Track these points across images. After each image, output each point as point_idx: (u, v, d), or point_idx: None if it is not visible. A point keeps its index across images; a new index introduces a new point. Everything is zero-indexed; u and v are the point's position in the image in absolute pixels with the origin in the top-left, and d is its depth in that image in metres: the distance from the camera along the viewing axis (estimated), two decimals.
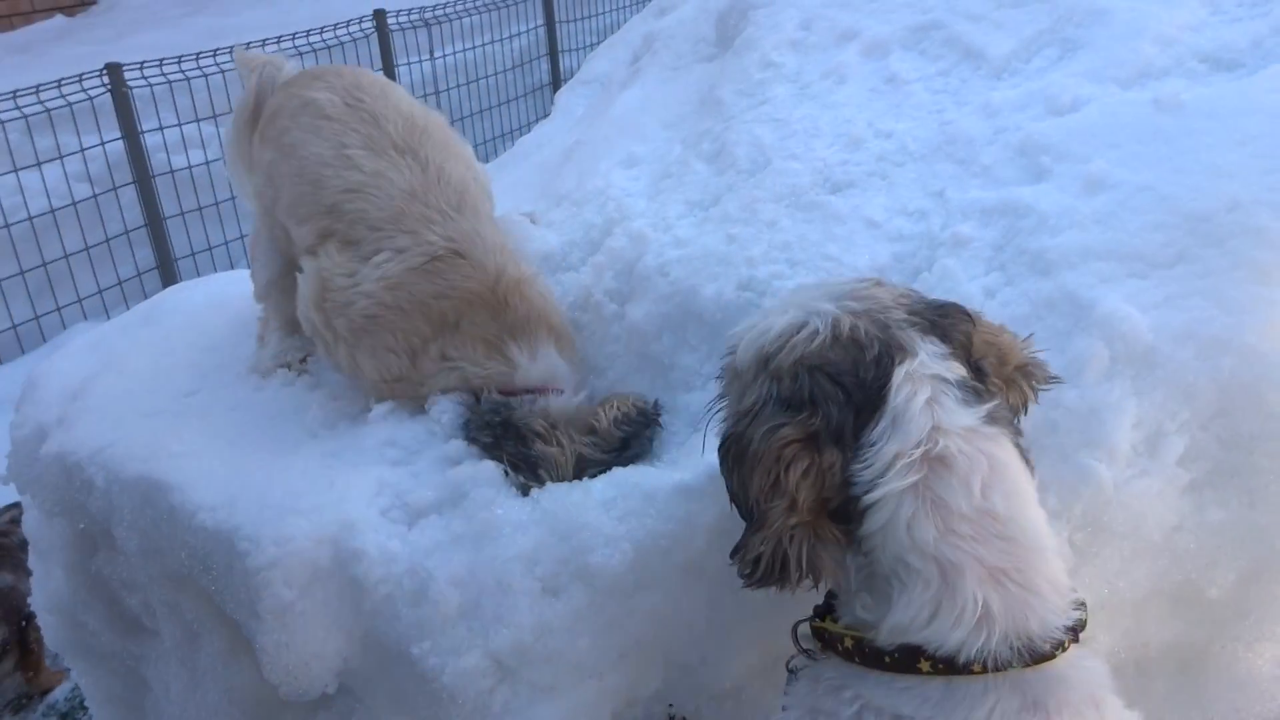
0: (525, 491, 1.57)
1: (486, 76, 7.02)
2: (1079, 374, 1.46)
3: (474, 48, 6.86)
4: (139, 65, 5.14)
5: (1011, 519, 1.10)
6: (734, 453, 1.20)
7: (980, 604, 1.06)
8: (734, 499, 1.24)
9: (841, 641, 1.19)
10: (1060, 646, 1.09)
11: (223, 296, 2.45)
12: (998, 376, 1.24)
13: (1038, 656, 1.08)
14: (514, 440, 1.62)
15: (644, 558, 1.48)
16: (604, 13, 7.88)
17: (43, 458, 1.90)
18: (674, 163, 2.22)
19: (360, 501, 1.55)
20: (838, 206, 1.82)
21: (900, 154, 1.88)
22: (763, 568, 1.17)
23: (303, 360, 2.05)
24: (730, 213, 1.92)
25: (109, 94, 5.07)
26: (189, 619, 1.77)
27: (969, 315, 1.27)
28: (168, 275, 5.51)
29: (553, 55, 7.51)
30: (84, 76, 4.98)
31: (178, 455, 1.71)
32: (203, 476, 1.64)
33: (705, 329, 1.78)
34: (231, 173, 2.40)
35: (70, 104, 4.95)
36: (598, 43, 7.84)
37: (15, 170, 4.90)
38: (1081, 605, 1.14)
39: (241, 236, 5.84)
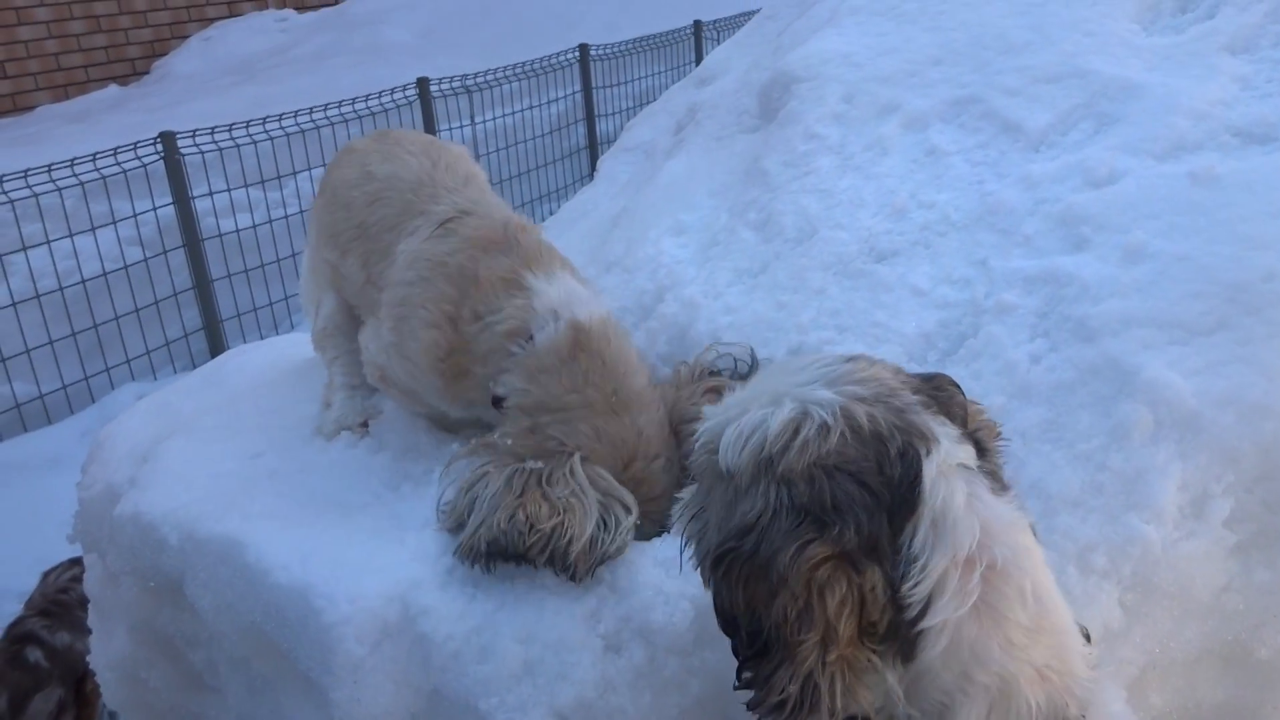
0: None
1: (525, 140, 7.21)
2: (1125, 438, 1.50)
3: (513, 113, 7.05)
4: (191, 133, 5.35)
5: (1054, 608, 1.06)
6: (741, 572, 1.03)
7: (1033, 706, 1.01)
8: (727, 618, 1.08)
9: None
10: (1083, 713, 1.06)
11: (282, 359, 2.54)
12: (988, 444, 1.15)
13: None
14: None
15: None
16: (639, 78, 8.07)
17: (116, 517, 1.97)
18: (721, 231, 2.30)
19: (427, 560, 1.61)
20: (884, 274, 1.89)
21: (943, 224, 1.95)
22: (789, 709, 1.02)
23: (364, 424, 2.13)
24: (779, 280, 2.00)
25: (162, 161, 5.27)
26: (256, 674, 1.83)
27: (956, 385, 1.18)
28: (214, 336, 5.66)
29: (589, 120, 7.69)
30: (139, 144, 5.18)
31: (251, 515, 1.78)
32: (276, 535, 1.71)
33: None
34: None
35: (125, 170, 5.15)
36: (633, 107, 8.05)
37: (70, 235, 5.08)
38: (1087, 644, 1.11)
39: (286, 298, 6.00)
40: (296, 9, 9.35)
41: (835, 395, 1.06)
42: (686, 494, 1.21)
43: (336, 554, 1.63)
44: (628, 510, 1.59)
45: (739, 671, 1.08)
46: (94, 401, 5.20)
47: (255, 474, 1.95)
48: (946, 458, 1.03)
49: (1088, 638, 1.13)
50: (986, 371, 1.65)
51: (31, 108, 7.53)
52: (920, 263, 1.89)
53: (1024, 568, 1.02)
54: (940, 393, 1.13)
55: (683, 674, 1.52)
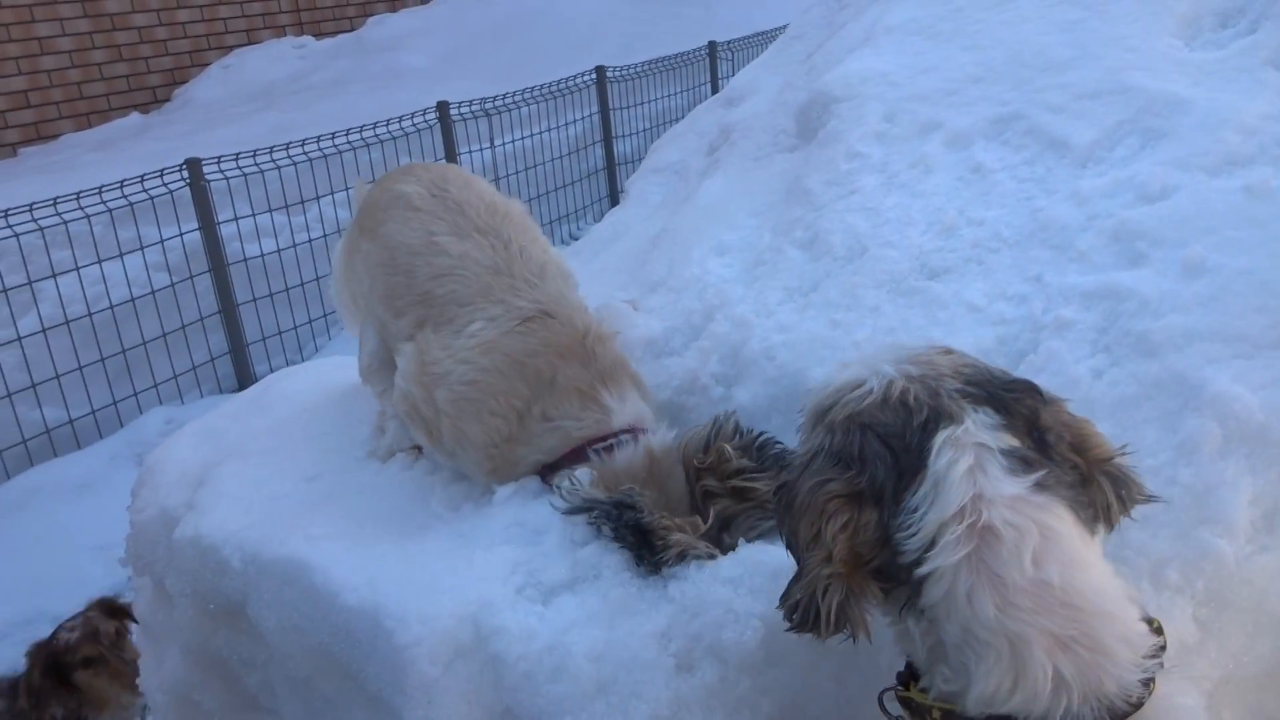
0: (656, 569, 1.63)
1: (544, 162, 7.26)
2: (1192, 452, 1.50)
3: (532, 135, 7.10)
4: (216, 159, 5.40)
5: (1070, 587, 1.11)
6: (785, 501, 1.26)
7: (1051, 673, 1.08)
8: (786, 545, 1.30)
9: (930, 713, 1.20)
10: (1141, 700, 1.10)
11: (327, 382, 2.56)
12: (1070, 458, 1.23)
13: (1117, 716, 1.09)
14: (648, 544, 1.65)
15: (773, 634, 1.53)
16: (655, 99, 8.13)
17: (175, 541, 1.99)
18: (766, 250, 2.31)
19: (496, 580, 1.61)
20: (938, 292, 1.90)
21: (994, 240, 1.96)
22: (799, 613, 1.22)
23: (417, 448, 2.14)
24: (832, 299, 2.01)
25: (188, 187, 5.32)
26: (318, 695, 1.83)
27: (1040, 394, 1.27)
28: (240, 360, 5.69)
29: (607, 141, 7.74)
30: (165, 171, 5.23)
31: (314, 537, 1.79)
32: (342, 557, 1.72)
33: None
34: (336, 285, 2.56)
35: (152, 197, 5.20)
36: (650, 128, 8.10)
37: (99, 261, 5.12)
38: (1160, 647, 1.15)
39: (310, 321, 6.03)
40: (314, 35, 9.44)
41: (892, 370, 1.25)
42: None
43: (404, 575, 1.64)
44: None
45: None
46: (122, 426, 5.23)
47: (313, 496, 1.96)
48: (964, 435, 1.17)
49: (1158, 630, 1.16)
50: (1048, 387, 1.64)
51: (55, 136, 7.60)
52: (974, 279, 1.90)
53: (1022, 535, 1.12)
54: (1008, 393, 1.24)
55: (754, 693, 1.53)
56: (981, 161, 2.19)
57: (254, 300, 5.74)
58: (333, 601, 1.65)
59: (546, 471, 1.88)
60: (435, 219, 2.10)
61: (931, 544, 1.13)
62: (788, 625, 1.25)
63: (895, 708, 1.30)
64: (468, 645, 1.55)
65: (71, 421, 5.01)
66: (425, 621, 1.54)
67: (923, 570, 1.14)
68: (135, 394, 5.30)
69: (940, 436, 1.17)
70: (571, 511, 1.71)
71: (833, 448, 1.23)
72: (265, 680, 2.02)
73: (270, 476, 2.05)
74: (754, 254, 2.35)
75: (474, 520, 1.80)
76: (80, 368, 5.00)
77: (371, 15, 9.94)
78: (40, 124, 7.62)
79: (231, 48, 8.87)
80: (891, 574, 1.19)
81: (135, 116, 7.89)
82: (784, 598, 1.25)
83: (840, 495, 1.19)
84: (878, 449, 1.19)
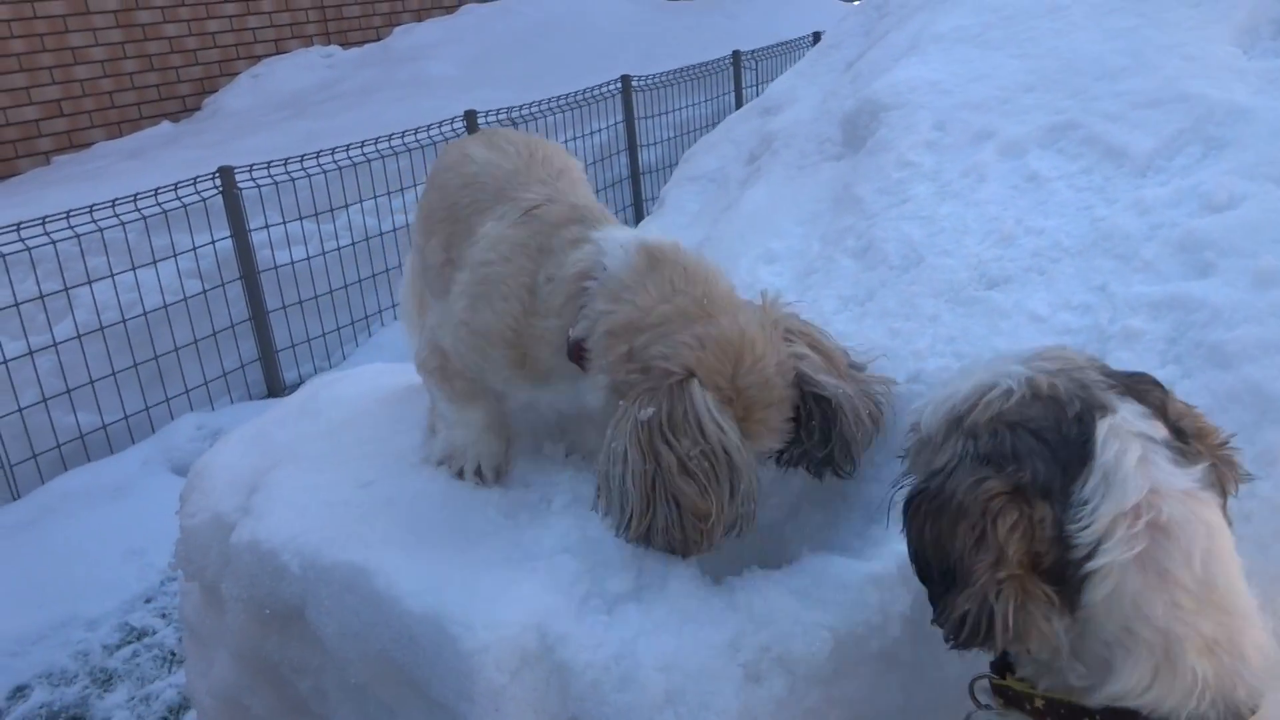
0: None
1: None
2: (1272, 464, 1.48)
3: (558, 143, 7.11)
4: (248, 168, 5.43)
5: (1228, 589, 1.11)
6: (928, 509, 1.17)
7: (1198, 675, 1.07)
8: (921, 560, 1.20)
9: (1031, 701, 1.19)
10: (1256, 708, 1.10)
11: (375, 388, 2.56)
12: (1199, 448, 1.21)
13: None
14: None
15: (842, 646, 1.52)
16: (679, 109, 8.14)
17: (233, 546, 1.99)
18: (817, 259, 2.30)
19: (561, 588, 1.61)
20: (999, 301, 1.88)
21: (1055, 250, 1.95)
22: (968, 627, 1.14)
23: None
24: (889, 308, 2.00)
25: (220, 195, 5.35)
26: (373, 702, 1.83)
27: (1161, 384, 1.26)
28: (269, 366, 5.72)
29: (631, 150, 7.75)
30: (198, 179, 5.27)
31: (373, 543, 1.78)
32: (403, 563, 1.71)
33: None
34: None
35: (185, 205, 5.23)
36: (674, 137, 8.11)
37: (133, 268, 5.16)
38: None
39: (339, 328, 6.06)
40: (341, 45, 9.50)
41: (1024, 368, 1.20)
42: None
43: (468, 581, 1.64)
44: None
45: (934, 612, 1.19)
46: (154, 431, 5.26)
47: (370, 502, 1.95)
48: (1123, 423, 1.13)
49: None
50: None
51: (87, 145, 7.67)
52: (1036, 289, 1.89)
53: (1193, 533, 1.09)
54: (1138, 384, 1.22)
55: (824, 704, 1.51)
56: (1037, 170, 2.17)
57: (284, 307, 5.77)
58: (395, 607, 1.65)
59: (579, 353, 1.74)
60: (473, 143, 2.14)
61: (1102, 539, 1.09)
62: (951, 642, 1.17)
63: (986, 696, 1.27)
64: (534, 653, 1.54)
65: (105, 427, 5.04)
66: (492, 628, 1.53)
67: (1092, 565, 1.09)
68: (167, 400, 5.32)
69: (1102, 426, 1.12)
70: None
71: (979, 451, 1.16)
72: (317, 686, 2.01)
73: (325, 482, 2.05)
74: (804, 262, 2.34)
75: (532, 529, 1.79)
76: (114, 373, 5.03)
77: (398, 25, 9.99)
78: (73, 132, 7.69)
79: (260, 57, 8.93)
80: (1055, 573, 1.13)
81: (166, 125, 7.96)
82: (941, 612, 1.16)
83: (1003, 492, 1.11)
84: (1033, 444, 1.13)
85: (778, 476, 1.98)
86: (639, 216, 7.83)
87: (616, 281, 1.68)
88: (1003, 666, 1.27)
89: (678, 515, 1.52)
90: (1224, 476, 1.26)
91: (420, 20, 10.18)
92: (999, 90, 2.41)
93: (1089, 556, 1.09)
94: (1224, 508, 1.19)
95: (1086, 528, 1.09)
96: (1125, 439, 1.12)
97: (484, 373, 1.90)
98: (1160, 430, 1.15)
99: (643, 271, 1.67)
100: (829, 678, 1.52)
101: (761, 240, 2.52)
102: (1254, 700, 1.10)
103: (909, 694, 1.56)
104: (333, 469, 2.12)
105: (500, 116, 6.69)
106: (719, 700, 1.47)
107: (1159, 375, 1.64)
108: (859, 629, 1.53)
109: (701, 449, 1.51)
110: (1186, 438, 1.19)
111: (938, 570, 1.18)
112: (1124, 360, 1.68)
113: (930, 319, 1.92)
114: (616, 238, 1.76)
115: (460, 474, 1.97)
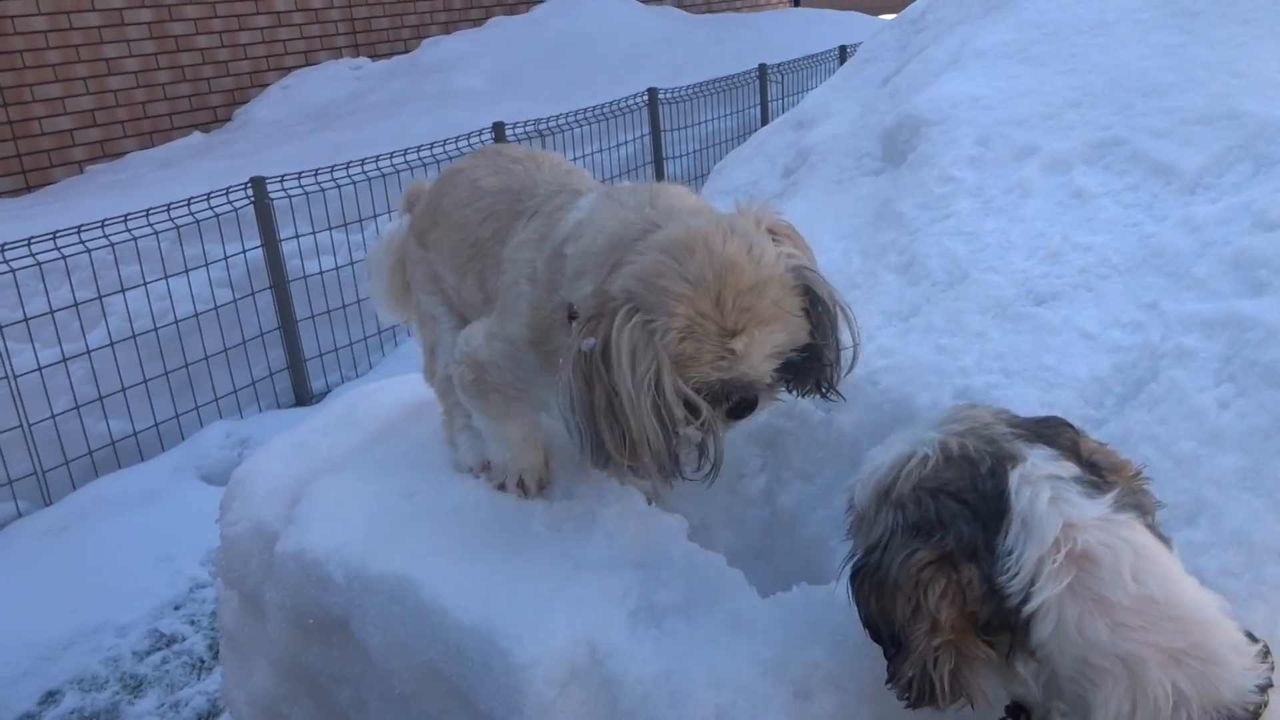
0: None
1: None
2: None
3: (584, 155, 7.14)
4: (279, 178, 5.48)
5: (1173, 599, 1.13)
6: (870, 584, 1.26)
7: (1170, 688, 1.08)
8: (871, 628, 1.29)
9: None
10: (1259, 708, 1.10)
11: (412, 399, 2.56)
12: (1115, 480, 1.26)
13: None
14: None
15: None
16: (705, 121, 8.15)
17: (277, 555, 2.00)
18: (858, 274, 2.29)
19: (610, 602, 1.60)
20: (1047, 318, 1.87)
21: (1103, 266, 1.93)
22: (914, 690, 1.23)
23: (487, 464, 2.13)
24: (934, 323, 1.98)
25: (251, 205, 5.40)
26: (416, 713, 1.82)
27: (1072, 426, 1.33)
28: (298, 375, 5.75)
29: (657, 162, 7.76)
30: (230, 189, 5.32)
31: (419, 554, 1.79)
32: (450, 574, 1.71)
33: None
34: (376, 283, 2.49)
35: (217, 214, 5.28)
36: (699, 149, 8.12)
37: (165, 277, 5.20)
38: (1267, 656, 1.15)
39: (365, 337, 6.09)
40: (370, 57, 9.57)
41: (936, 433, 1.29)
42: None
43: (516, 593, 1.64)
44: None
45: (887, 674, 1.27)
46: (183, 439, 5.29)
47: (413, 513, 1.96)
48: (1032, 470, 1.20)
49: (1265, 653, 1.16)
50: (1172, 417, 1.62)
51: (120, 154, 7.75)
52: (1085, 306, 1.87)
53: (1118, 554, 1.13)
54: (1048, 429, 1.29)
55: None
56: (1083, 186, 2.16)
57: (312, 316, 5.80)
58: (443, 619, 1.65)
59: (573, 317, 1.65)
60: (479, 169, 2.08)
61: (1032, 581, 1.14)
62: (904, 703, 1.26)
63: None
64: (583, 667, 1.54)
65: (136, 434, 5.07)
66: (541, 642, 1.53)
67: (1030, 607, 1.14)
68: (196, 407, 5.36)
69: (1014, 476, 1.19)
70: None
71: (908, 521, 1.24)
72: (357, 696, 2.02)
73: (368, 492, 2.06)
74: (845, 277, 2.33)
75: (577, 540, 1.79)
76: (145, 381, 5.07)
77: (426, 37, 10.06)
78: (105, 142, 7.77)
79: (290, 69, 9.01)
80: (997, 623, 1.19)
81: (197, 136, 8.04)
82: (892, 676, 1.25)
83: (931, 561, 1.19)
84: (954, 507, 1.21)
85: (820, 493, 1.97)
86: None
87: (580, 229, 1.64)
88: (1019, 710, 1.30)
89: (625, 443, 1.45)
90: (1143, 500, 1.29)
91: (448, 33, 10.25)
92: (1043, 106, 2.40)
93: (1025, 600, 1.15)
94: (1151, 525, 1.22)
95: (1015, 575, 1.15)
96: (1036, 484, 1.18)
97: (522, 381, 1.86)
98: (1070, 468, 1.21)
99: (611, 197, 1.65)
100: (879, 695, 1.50)
101: None
102: (1246, 699, 1.10)
103: (960, 711, 1.54)
104: (375, 479, 2.13)
105: (528, 129, 6.72)
106: (769, 716, 1.47)
107: (1214, 394, 1.64)
108: None
109: (615, 385, 1.43)
110: (1100, 471, 1.24)
111: (886, 637, 1.26)
112: (1177, 379, 1.66)
113: (977, 335, 1.91)
114: (591, 195, 1.74)
115: (502, 487, 1.97)
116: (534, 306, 1.73)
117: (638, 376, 1.41)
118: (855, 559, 1.32)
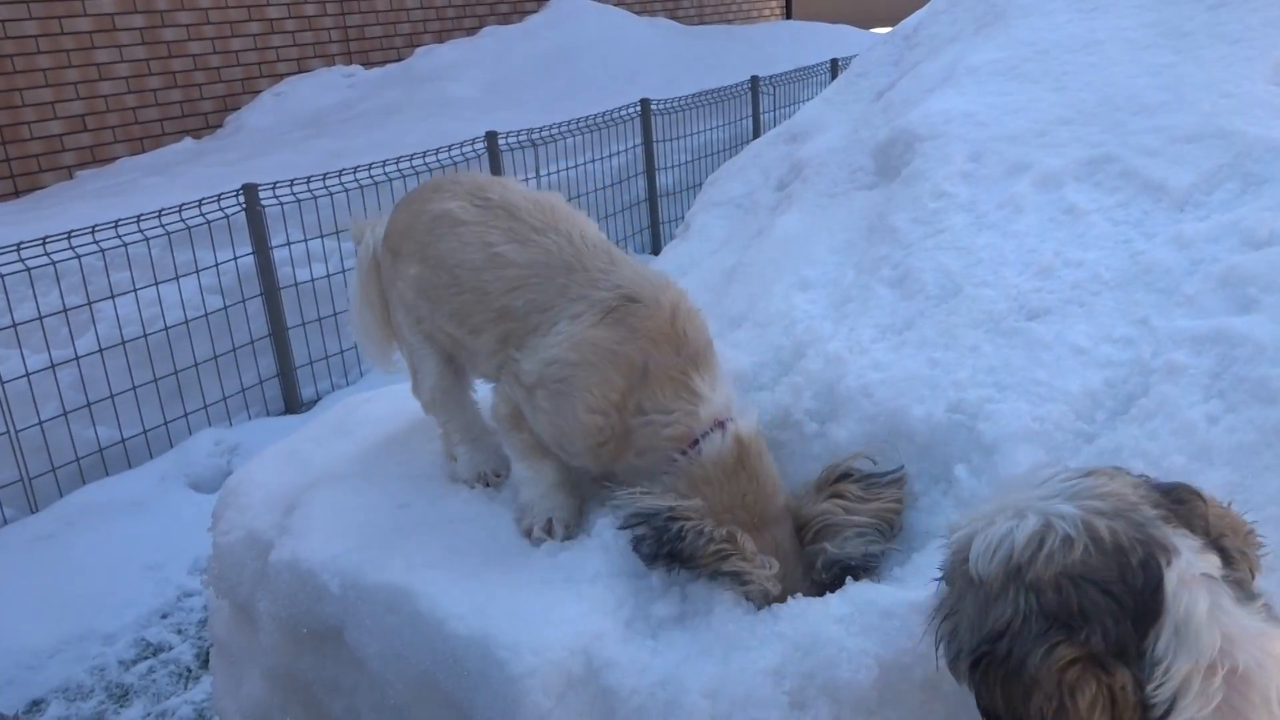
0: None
1: (588, 193, 7.30)
2: None
3: (576, 166, 7.16)
4: (271, 185, 5.47)
5: None
6: (997, 675, 1.15)
7: None
8: (994, 718, 1.19)
9: None
10: None
11: (407, 409, 2.56)
12: (1234, 552, 1.22)
13: None
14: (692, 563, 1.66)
15: (887, 674, 1.52)
16: (697, 132, 8.18)
17: (272, 564, 1.99)
18: (852, 287, 2.31)
19: (606, 612, 1.61)
20: (1039, 332, 1.89)
21: (1094, 282, 1.96)
22: None
23: (497, 474, 2.14)
24: (928, 337, 2.00)
25: (243, 211, 5.39)
26: None
27: (1199, 494, 1.25)
28: (288, 382, 5.73)
29: (649, 173, 7.79)
30: (222, 195, 5.31)
31: (415, 565, 1.79)
32: (447, 585, 1.72)
33: (916, 448, 1.85)
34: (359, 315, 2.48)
35: (209, 221, 5.27)
36: (691, 160, 8.15)
37: (156, 283, 5.19)
38: None
39: (356, 346, 6.07)
40: (363, 65, 9.57)
41: (1077, 509, 1.16)
42: (938, 596, 1.29)
43: (512, 604, 1.64)
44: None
45: None
46: (172, 446, 5.27)
47: (408, 523, 1.96)
48: (1188, 568, 1.11)
49: None
50: (1162, 432, 1.64)
51: (110, 160, 7.72)
52: (1076, 321, 1.90)
53: (1269, 675, 1.08)
54: (1180, 505, 1.21)
55: None
56: (1074, 203, 2.19)
57: (303, 324, 5.79)
58: (439, 629, 1.65)
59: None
60: (489, 229, 2.03)
61: (1177, 694, 1.07)
62: None
63: None
64: (580, 678, 1.55)
65: (124, 441, 5.05)
66: (538, 652, 1.54)
67: None
68: (185, 415, 5.33)
69: (1170, 577, 1.10)
70: (624, 526, 1.70)
71: (1045, 609, 1.12)
72: (350, 706, 2.01)
73: (364, 502, 2.06)
74: (839, 290, 2.35)
75: (572, 551, 1.80)
76: (134, 388, 5.05)
77: (419, 46, 10.06)
78: (96, 148, 7.74)
79: (283, 76, 9.00)
80: None
81: (188, 142, 8.01)
82: None
83: (1077, 660, 1.08)
84: (1100, 600, 1.10)
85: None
86: (656, 238, 7.87)
87: (701, 472, 1.77)
88: None
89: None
90: (1251, 565, 1.26)
91: (441, 41, 10.26)
92: (1035, 123, 2.43)
93: (1167, 715, 1.07)
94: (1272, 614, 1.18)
95: (1162, 686, 1.07)
96: (1193, 588, 1.10)
97: (563, 454, 1.94)
98: (1214, 561, 1.15)
99: (728, 472, 1.77)
100: (874, 707, 1.51)
101: (795, 267, 2.53)
102: None
103: None
104: (370, 489, 2.13)
105: (521, 138, 6.74)
106: None
107: (1204, 410, 1.66)
108: (904, 657, 1.53)
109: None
110: (1230, 558, 1.19)
111: None
112: (1168, 394, 1.68)
113: (970, 349, 1.93)
114: (714, 408, 1.81)
115: (529, 532, 1.92)
116: (605, 426, 1.83)
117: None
118: (971, 640, 1.21)
